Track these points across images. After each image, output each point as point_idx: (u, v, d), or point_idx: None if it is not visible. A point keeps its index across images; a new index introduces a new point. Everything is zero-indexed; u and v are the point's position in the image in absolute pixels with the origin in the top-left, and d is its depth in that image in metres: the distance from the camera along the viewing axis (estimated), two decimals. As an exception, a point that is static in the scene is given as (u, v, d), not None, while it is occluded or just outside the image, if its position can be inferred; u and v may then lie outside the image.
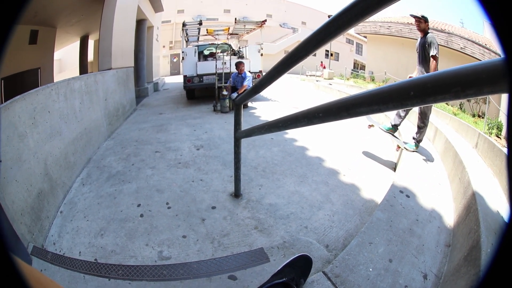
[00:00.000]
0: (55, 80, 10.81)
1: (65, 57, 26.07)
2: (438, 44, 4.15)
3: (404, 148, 4.23)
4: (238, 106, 2.84)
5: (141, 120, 7.17)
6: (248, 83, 7.53)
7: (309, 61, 36.86)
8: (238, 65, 7.76)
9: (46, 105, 3.23)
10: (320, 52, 35.05)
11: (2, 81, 8.11)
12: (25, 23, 8.38)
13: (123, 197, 3.25)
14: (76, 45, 13.74)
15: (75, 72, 13.44)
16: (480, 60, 16.14)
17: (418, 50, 4.37)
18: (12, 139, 2.44)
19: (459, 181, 3.04)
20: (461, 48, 16.66)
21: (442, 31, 17.53)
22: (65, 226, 2.81)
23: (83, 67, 13.13)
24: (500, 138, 5.64)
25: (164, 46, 31.52)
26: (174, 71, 33.77)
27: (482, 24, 19.04)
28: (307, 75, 25.65)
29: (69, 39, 12.94)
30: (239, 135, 2.86)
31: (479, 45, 16.46)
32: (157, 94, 13.06)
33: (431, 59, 4.05)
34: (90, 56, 14.12)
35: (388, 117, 5.98)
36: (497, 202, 2.50)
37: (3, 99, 7.83)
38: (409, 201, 2.79)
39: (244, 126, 2.84)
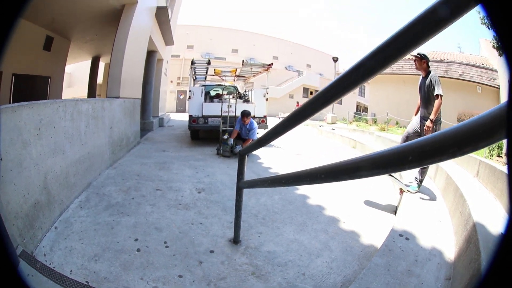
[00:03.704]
0: (63, 93, 11.54)
1: (76, 72, 27.28)
2: (440, 81, 4.31)
3: (407, 191, 4.36)
4: (242, 157, 3.04)
5: (144, 154, 7.43)
6: (254, 136, 7.69)
7: (284, 102, 36.97)
8: (244, 115, 7.80)
9: (52, 120, 3.44)
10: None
11: (13, 76, 8.45)
12: (42, 26, 8.94)
13: (120, 229, 3.36)
14: (87, 63, 14.52)
15: (84, 89, 14.27)
16: (479, 82, 17.30)
17: (422, 92, 4.49)
18: (16, 142, 2.62)
19: (460, 214, 3.21)
20: (460, 75, 17.92)
21: (441, 61, 18.78)
22: (59, 242, 2.96)
23: (92, 88, 13.81)
24: (501, 157, 5.73)
25: (172, 81, 32.57)
26: (180, 108, 34.77)
27: (478, 43, 20.11)
28: (279, 117, 26.28)
29: (81, 56, 13.75)
30: (241, 185, 3.04)
31: (477, 66, 17.80)
32: (162, 130, 13.50)
33: (436, 98, 4.22)
34: (100, 78, 14.75)
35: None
36: (498, 225, 2.64)
37: (12, 94, 8.20)
38: (408, 243, 2.92)
39: (247, 172, 3.05)
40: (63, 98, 10.65)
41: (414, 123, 4.68)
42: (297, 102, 31.31)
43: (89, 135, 4.74)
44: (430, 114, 4.29)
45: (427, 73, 4.43)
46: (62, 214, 3.54)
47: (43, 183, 3.14)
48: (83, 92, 14.58)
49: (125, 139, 7.15)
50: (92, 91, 13.57)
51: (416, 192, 4.33)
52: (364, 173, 0.98)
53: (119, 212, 3.81)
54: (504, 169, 3.91)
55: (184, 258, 2.89)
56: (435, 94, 4.23)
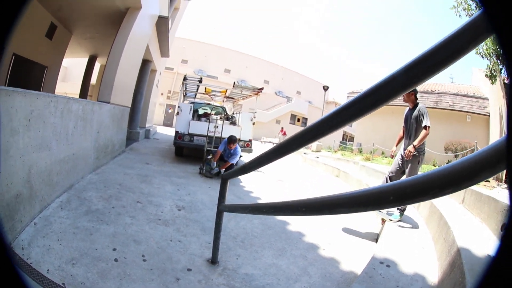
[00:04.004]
0: (57, 87, 11.49)
1: (71, 67, 27.24)
2: (428, 113, 4.44)
3: (389, 220, 4.44)
4: (224, 181, 3.15)
5: (127, 164, 7.45)
6: (234, 161, 7.68)
7: (271, 126, 36.67)
8: (231, 141, 7.66)
9: (42, 114, 3.46)
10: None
11: (13, 56, 8.36)
12: (49, 11, 8.89)
13: (99, 236, 3.37)
14: (83, 61, 14.54)
15: (77, 87, 14.30)
16: (469, 111, 17.71)
17: (408, 123, 4.60)
18: (5, 128, 2.63)
19: (443, 241, 3.32)
20: (450, 105, 18.40)
21: (432, 92, 19.55)
22: (37, 239, 3.00)
23: (85, 87, 13.78)
24: (489, 181, 5.84)
25: (162, 94, 32.53)
26: (167, 122, 34.79)
27: (470, 72, 20.73)
28: (261, 142, 26.51)
29: (79, 52, 13.74)
30: (222, 208, 3.13)
31: (467, 96, 18.35)
32: (147, 141, 13.55)
33: (424, 129, 4.32)
34: (94, 79, 14.87)
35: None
36: (484, 248, 2.75)
37: (9, 75, 8.15)
38: (389, 270, 3.00)
39: (228, 194, 3.16)
40: (56, 92, 10.62)
41: (397, 160, 4.79)
42: (282, 128, 31.52)
43: (76, 136, 4.75)
44: (418, 148, 4.41)
45: (415, 105, 4.55)
46: (42, 211, 3.57)
47: (27, 176, 3.15)
48: (75, 89, 14.50)
49: (110, 146, 7.16)
50: (84, 91, 13.56)
51: (398, 221, 4.42)
52: (344, 209, 1.03)
53: (99, 219, 3.81)
54: (491, 193, 4.14)
55: (161, 273, 2.91)
56: (423, 125, 4.33)
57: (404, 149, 4.65)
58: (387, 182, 4.79)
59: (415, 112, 4.48)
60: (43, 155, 3.54)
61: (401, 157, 4.70)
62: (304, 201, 1.31)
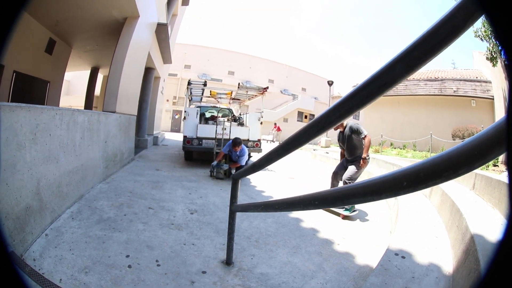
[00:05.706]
0: (61, 100, 11.63)
1: (74, 80, 27.69)
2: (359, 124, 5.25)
3: (343, 214, 4.88)
4: (235, 181, 3.12)
5: (137, 172, 7.49)
6: (242, 162, 7.66)
7: (279, 125, 36.53)
8: (236, 144, 7.47)
9: (48, 127, 3.47)
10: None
11: (14, 74, 8.49)
12: (47, 27, 9.01)
13: (112, 244, 3.36)
14: (86, 73, 14.72)
15: (81, 99, 14.50)
16: (473, 96, 17.64)
17: (345, 142, 5.29)
18: (11, 143, 2.66)
19: (456, 228, 3.29)
20: (454, 91, 18.39)
21: (435, 79, 19.46)
22: (49, 249, 3.00)
23: (89, 99, 13.93)
24: (497, 166, 5.85)
25: (167, 100, 32.71)
26: (175, 128, 34.98)
27: (471, 57, 20.59)
28: None
29: (81, 65, 13.91)
30: (235, 208, 3.09)
31: (470, 80, 18.32)
32: (156, 148, 13.62)
33: (364, 139, 4.99)
34: (97, 90, 15.08)
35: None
36: (497, 233, 2.70)
37: (11, 92, 8.30)
38: (404, 261, 2.95)
39: (240, 195, 3.10)
40: (60, 105, 10.76)
41: (342, 163, 5.59)
42: (275, 124, 31.47)
43: (84, 147, 4.78)
44: (358, 156, 5.17)
45: (344, 127, 5.30)
46: (53, 222, 3.59)
47: (35, 189, 3.17)
48: (80, 102, 14.77)
49: (119, 155, 7.19)
50: (89, 103, 13.72)
51: (353, 211, 4.88)
52: (358, 199, 1.02)
53: (111, 227, 3.80)
54: (501, 177, 4.05)
55: (176, 277, 2.88)
56: (362, 136, 5.00)
57: (348, 161, 5.38)
58: (333, 178, 5.67)
59: (347, 131, 5.20)
60: (51, 167, 3.57)
61: (346, 162, 5.49)
62: (316, 195, 1.30)
